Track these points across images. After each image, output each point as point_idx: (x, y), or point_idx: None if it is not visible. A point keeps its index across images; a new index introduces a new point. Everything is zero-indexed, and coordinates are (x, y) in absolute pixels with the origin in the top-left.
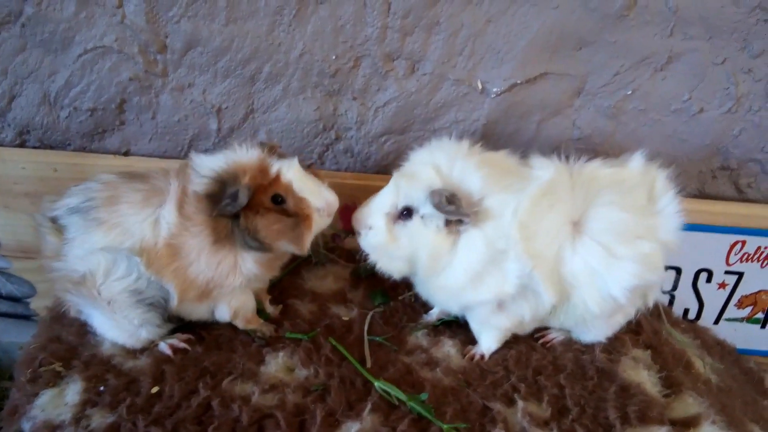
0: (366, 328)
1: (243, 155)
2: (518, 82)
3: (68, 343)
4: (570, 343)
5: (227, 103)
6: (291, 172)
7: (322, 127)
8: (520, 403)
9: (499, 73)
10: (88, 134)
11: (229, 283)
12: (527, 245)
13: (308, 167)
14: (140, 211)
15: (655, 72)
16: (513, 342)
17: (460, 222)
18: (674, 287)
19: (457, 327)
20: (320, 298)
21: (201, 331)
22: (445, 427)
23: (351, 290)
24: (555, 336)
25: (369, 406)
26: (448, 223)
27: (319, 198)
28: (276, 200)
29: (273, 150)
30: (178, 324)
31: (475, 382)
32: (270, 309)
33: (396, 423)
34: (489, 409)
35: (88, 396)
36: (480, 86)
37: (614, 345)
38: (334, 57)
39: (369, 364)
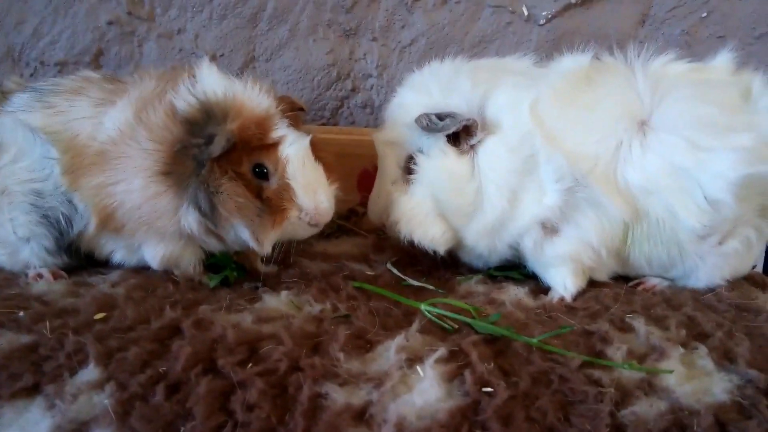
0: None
1: (249, 95)
2: (572, 2)
3: None
4: (680, 288)
5: (224, 50)
6: (293, 148)
7: (336, 75)
8: (641, 327)
9: None
10: None
11: (160, 225)
12: (557, 143)
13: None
14: (92, 108)
15: None
16: (604, 285)
17: (467, 135)
18: None
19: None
20: (335, 258)
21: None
22: (534, 341)
23: (375, 253)
24: (657, 282)
25: (416, 326)
26: (455, 142)
27: (310, 197)
28: (257, 171)
29: (292, 110)
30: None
31: (563, 316)
32: (263, 267)
33: (459, 341)
34: (593, 333)
35: None
36: (525, 12)
37: (742, 291)
38: None
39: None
